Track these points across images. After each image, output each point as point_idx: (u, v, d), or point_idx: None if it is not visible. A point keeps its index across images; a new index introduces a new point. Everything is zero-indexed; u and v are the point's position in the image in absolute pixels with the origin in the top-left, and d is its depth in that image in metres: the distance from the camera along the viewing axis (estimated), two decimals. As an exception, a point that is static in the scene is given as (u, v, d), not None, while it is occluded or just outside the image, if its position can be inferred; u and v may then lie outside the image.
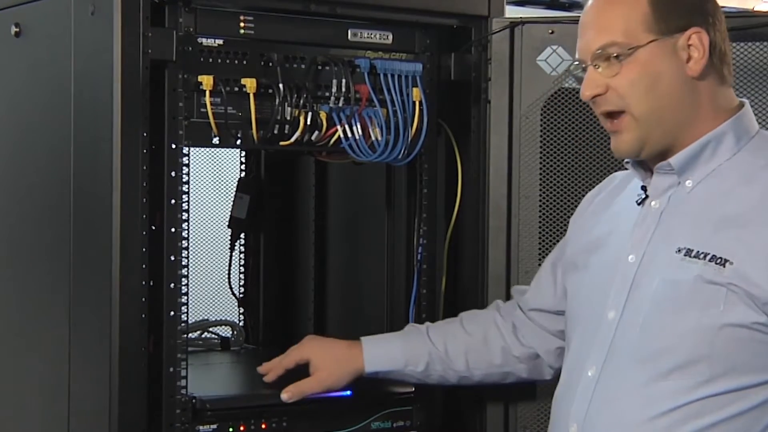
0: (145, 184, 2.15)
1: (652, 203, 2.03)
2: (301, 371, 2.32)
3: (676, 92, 1.96)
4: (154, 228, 2.19)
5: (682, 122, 1.97)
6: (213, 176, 3.27)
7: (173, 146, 2.20)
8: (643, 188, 2.05)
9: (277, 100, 2.26)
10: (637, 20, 1.95)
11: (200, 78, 2.20)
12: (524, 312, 2.32)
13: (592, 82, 1.97)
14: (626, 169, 2.11)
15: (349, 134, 2.33)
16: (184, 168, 2.21)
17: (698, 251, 1.91)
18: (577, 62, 2.03)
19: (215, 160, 3.27)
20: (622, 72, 1.95)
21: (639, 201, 2.05)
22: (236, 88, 2.24)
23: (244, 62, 2.27)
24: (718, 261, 1.89)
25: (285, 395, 2.27)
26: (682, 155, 1.98)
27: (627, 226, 2.05)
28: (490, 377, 2.33)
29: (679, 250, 1.94)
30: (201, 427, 2.23)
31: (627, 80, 1.95)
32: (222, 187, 3.23)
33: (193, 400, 2.22)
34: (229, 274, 3.02)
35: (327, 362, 2.30)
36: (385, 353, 2.32)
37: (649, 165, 2.04)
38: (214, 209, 3.27)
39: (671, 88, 1.96)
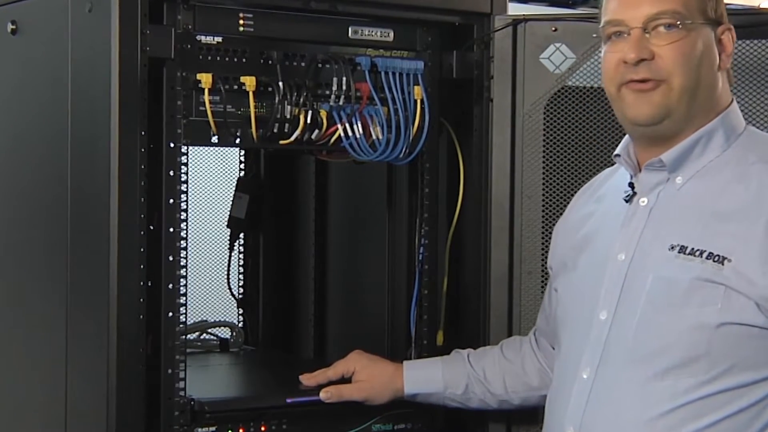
0: (143, 184, 2.14)
1: (641, 200, 2.02)
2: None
3: (709, 78, 1.98)
4: (152, 228, 2.18)
5: (700, 109, 1.98)
6: (212, 175, 3.26)
7: (172, 145, 2.19)
8: (630, 185, 2.04)
9: (276, 99, 2.25)
10: None
11: (199, 76, 2.20)
12: (548, 342, 2.32)
13: (641, 45, 1.95)
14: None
15: (350, 133, 2.32)
16: (182, 167, 2.20)
17: (693, 248, 1.91)
18: (608, 23, 2.01)
19: (214, 159, 3.26)
20: (676, 43, 1.94)
21: (626, 198, 2.04)
22: (235, 86, 2.23)
23: (244, 60, 2.26)
24: (716, 259, 1.88)
25: (324, 394, 2.31)
26: (674, 152, 1.98)
27: (614, 224, 2.04)
28: (528, 400, 2.34)
29: (673, 248, 1.93)
30: (199, 430, 2.21)
31: (679, 52, 1.94)
32: (221, 186, 3.22)
33: (192, 402, 2.21)
34: (228, 274, 3.01)
35: (370, 375, 2.35)
36: (425, 375, 2.35)
37: (639, 161, 2.03)
38: (213, 209, 3.27)
39: (708, 72, 1.97)
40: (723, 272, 1.87)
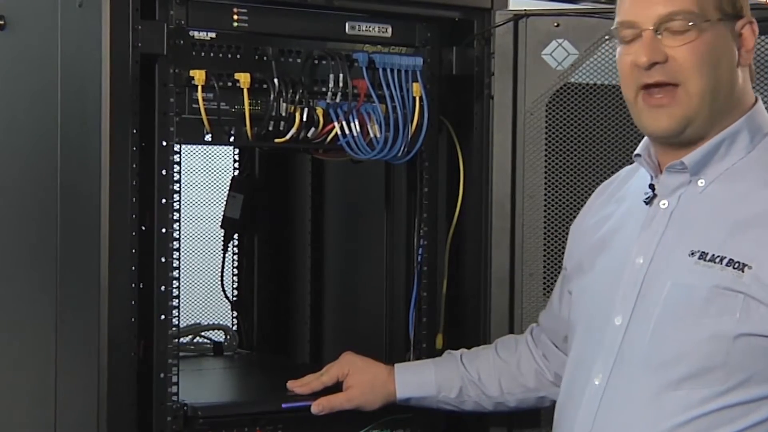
0: (134, 183, 2.14)
1: (661, 203, 1.97)
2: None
3: (728, 77, 1.93)
4: (143, 228, 2.18)
5: (723, 110, 1.93)
6: (205, 175, 3.26)
7: (164, 143, 2.19)
8: (651, 187, 2.00)
9: (271, 96, 2.24)
10: None
11: (192, 72, 2.19)
12: (550, 340, 2.29)
13: (654, 48, 1.90)
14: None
15: (347, 131, 2.30)
16: (175, 166, 2.20)
17: (714, 255, 1.87)
18: (620, 25, 1.96)
19: (208, 158, 3.26)
20: (690, 44, 1.90)
21: (647, 200, 2.00)
22: (229, 83, 2.23)
23: (238, 56, 2.26)
24: (736, 266, 1.84)
25: (316, 408, 2.27)
26: (696, 153, 1.94)
27: (633, 227, 2.00)
28: (525, 402, 2.31)
29: (693, 253, 1.89)
30: (192, 435, 2.22)
31: (694, 53, 1.90)
32: (215, 186, 3.24)
33: (185, 407, 2.21)
34: (222, 276, 3.01)
35: (362, 381, 2.31)
36: (418, 379, 2.32)
37: (660, 162, 1.99)
38: (207, 209, 3.28)
39: (727, 71, 1.93)
40: (743, 279, 1.83)
